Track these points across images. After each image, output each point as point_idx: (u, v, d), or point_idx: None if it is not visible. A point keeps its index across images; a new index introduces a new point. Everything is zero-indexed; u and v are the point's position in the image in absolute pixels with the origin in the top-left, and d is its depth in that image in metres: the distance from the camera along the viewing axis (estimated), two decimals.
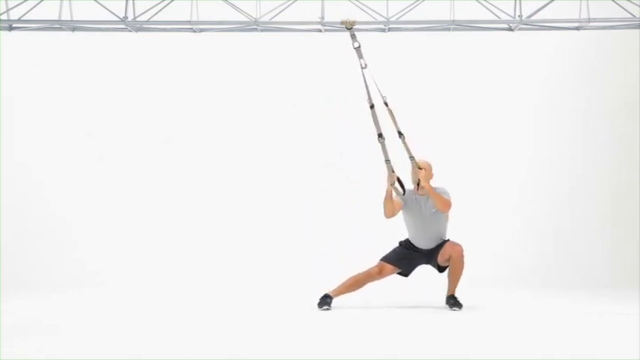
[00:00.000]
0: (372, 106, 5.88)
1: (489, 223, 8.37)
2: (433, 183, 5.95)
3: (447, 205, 5.91)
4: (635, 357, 3.97)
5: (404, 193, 5.96)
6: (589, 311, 5.93)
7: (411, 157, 5.89)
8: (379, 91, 5.86)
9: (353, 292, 6.08)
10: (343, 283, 6.06)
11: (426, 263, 6.11)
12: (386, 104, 5.85)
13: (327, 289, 6.02)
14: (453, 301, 5.95)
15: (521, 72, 8.60)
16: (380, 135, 5.87)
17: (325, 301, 5.94)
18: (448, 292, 6.01)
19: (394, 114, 5.85)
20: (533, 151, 8.58)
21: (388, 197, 5.89)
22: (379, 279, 6.07)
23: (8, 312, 5.76)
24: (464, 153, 8.47)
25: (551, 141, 8.57)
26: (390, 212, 5.93)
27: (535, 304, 6.43)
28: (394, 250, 6.14)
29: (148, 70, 8.59)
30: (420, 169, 5.89)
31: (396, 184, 5.91)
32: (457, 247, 5.91)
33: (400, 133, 5.86)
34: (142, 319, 5.53)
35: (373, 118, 5.88)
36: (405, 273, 6.15)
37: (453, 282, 5.98)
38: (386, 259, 6.09)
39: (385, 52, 8.11)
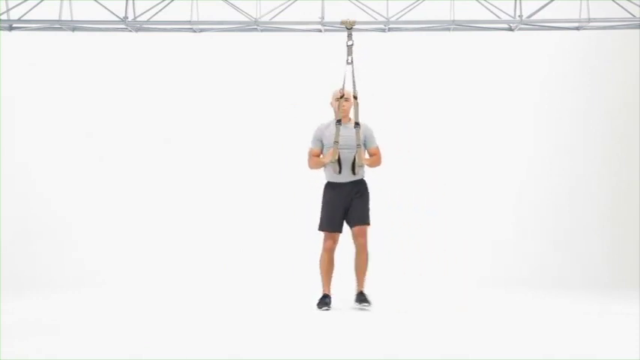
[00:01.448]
0: (341, 97, 6.12)
1: (489, 223, 8.37)
2: (352, 115, 6.14)
3: (379, 163, 6.19)
4: (635, 357, 3.97)
5: (340, 171, 6.09)
6: (589, 311, 5.94)
7: (358, 145, 6.07)
8: (354, 85, 6.08)
9: (334, 274, 6.09)
10: (323, 276, 6.07)
11: (345, 214, 6.10)
12: (355, 97, 6.08)
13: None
14: (362, 298, 5.94)
15: (521, 72, 8.60)
16: (339, 121, 6.09)
17: (324, 301, 5.95)
18: (357, 287, 6.01)
19: (358, 109, 6.08)
20: (533, 151, 8.57)
21: (320, 164, 6.18)
22: (336, 246, 6.09)
23: (8, 312, 5.76)
24: (464, 153, 8.48)
25: (551, 141, 8.57)
26: (317, 168, 6.23)
27: (535, 304, 6.42)
28: (323, 213, 6.14)
29: (147, 70, 8.59)
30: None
31: (336, 162, 6.09)
32: (362, 239, 5.98)
33: (357, 124, 6.08)
34: (142, 319, 5.53)
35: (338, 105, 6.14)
36: (340, 230, 6.13)
37: (360, 275, 6.01)
38: (323, 227, 6.12)
39: (385, 52, 8.11)
